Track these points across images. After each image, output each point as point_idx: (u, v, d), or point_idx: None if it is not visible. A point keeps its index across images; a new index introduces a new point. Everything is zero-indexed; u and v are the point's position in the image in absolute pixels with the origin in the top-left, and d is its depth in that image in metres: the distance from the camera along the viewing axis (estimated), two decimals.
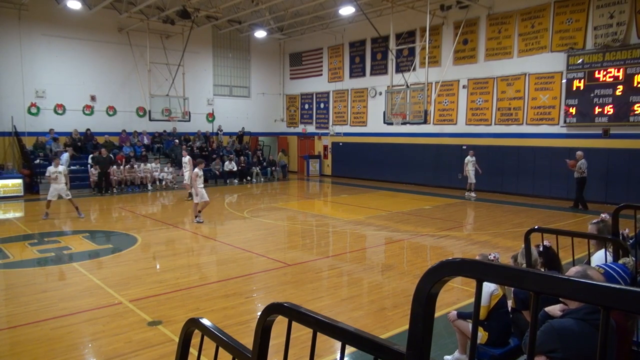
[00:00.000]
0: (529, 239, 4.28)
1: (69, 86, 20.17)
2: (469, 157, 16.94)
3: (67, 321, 5.82)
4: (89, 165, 18.43)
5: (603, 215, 5.09)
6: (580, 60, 15.45)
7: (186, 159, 15.93)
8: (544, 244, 4.50)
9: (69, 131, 20.03)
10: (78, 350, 5.09)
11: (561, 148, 16.01)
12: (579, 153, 14.45)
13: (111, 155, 19.18)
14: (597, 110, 15.17)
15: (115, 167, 18.63)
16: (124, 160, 19.44)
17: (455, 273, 1.10)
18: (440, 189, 19.27)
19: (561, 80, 16.02)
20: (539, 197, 16.66)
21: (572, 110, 15.73)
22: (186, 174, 15.74)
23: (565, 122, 15.99)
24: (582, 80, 15.41)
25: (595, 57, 15.12)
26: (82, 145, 19.93)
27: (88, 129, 20.58)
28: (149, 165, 20.01)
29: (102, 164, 17.81)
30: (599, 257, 4.30)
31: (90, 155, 18.56)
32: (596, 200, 14.84)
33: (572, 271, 2.89)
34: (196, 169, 12.30)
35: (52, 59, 19.72)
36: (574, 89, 15.61)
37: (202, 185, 12.26)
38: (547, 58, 16.37)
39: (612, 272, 3.14)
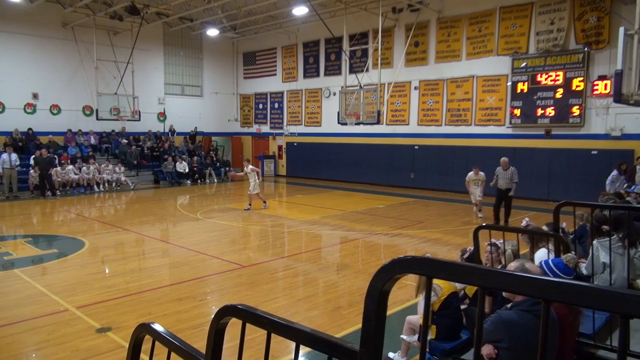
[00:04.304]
0: (477, 235, 4.48)
1: (8, 83, 19.09)
2: (470, 174, 13.25)
3: (8, 331, 5.51)
4: (30, 167, 17.49)
5: (524, 223, 5.56)
6: (524, 64, 16.15)
7: None
8: (468, 249, 4.79)
9: (10, 130, 18.99)
10: None
11: (507, 148, 16.66)
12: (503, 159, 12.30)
13: (55, 156, 18.29)
14: (539, 112, 15.91)
15: (58, 168, 17.76)
16: (69, 161, 18.61)
17: (406, 270, 1.13)
18: (393, 188, 19.61)
19: (507, 82, 16.69)
20: (487, 195, 17.24)
21: (517, 112, 16.42)
22: None
23: (510, 123, 16.68)
24: (526, 83, 16.11)
25: (538, 61, 15.86)
26: (24, 145, 18.94)
27: (30, 129, 19.57)
28: (100, 166, 19.21)
29: (42, 165, 16.93)
30: (541, 255, 4.54)
31: (32, 156, 17.64)
32: (539, 198, 15.56)
33: (512, 266, 3.05)
34: None
35: None
36: (519, 91, 16.30)
37: None
38: (493, 61, 17.01)
39: (545, 266, 3.44)
